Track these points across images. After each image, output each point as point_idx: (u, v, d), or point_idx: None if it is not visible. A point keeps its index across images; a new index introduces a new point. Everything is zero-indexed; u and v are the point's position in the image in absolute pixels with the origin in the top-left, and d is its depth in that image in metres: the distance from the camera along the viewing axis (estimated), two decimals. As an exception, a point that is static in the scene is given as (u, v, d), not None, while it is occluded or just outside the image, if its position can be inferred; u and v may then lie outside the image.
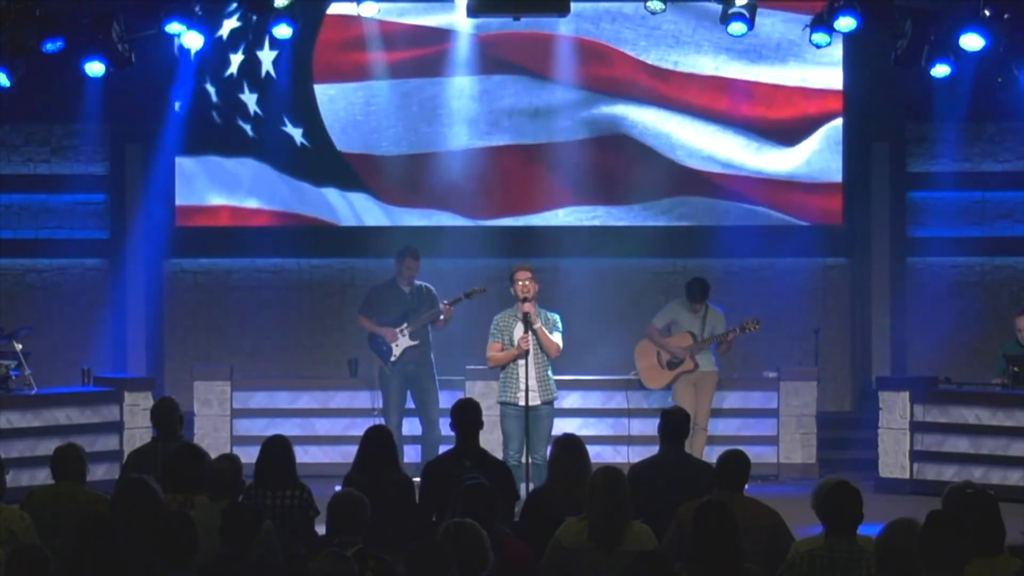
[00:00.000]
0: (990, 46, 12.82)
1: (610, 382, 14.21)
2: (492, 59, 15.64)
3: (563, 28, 15.38)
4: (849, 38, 14.58)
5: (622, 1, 15.54)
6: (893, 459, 13.43)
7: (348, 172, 15.72)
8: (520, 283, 11.89)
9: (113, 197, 15.90)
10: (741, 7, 13.30)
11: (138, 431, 13.27)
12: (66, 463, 8.46)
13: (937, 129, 15.69)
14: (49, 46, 12.60)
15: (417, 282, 13.42)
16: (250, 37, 15.35)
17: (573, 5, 13.08)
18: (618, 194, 15.75)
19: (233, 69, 15.55)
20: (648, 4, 13.54)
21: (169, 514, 7.13)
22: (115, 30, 12.78)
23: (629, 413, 14.03)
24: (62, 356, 15.09)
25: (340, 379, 14.53)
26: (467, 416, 9.24)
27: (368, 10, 14.06)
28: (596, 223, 15.79)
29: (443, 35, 15.57)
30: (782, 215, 15.72)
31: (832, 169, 15.68)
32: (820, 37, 13.49)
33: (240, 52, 15.52)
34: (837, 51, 15.35)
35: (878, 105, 15.54)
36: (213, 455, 8.56)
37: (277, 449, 8.81)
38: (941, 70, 13.17)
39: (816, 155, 15.67)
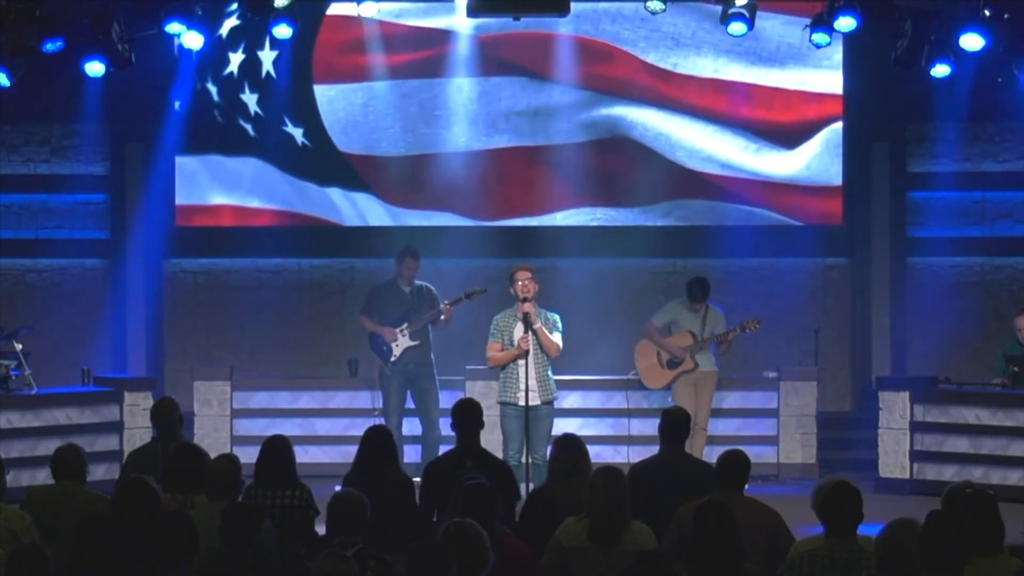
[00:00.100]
0: (990, 46, 12.82)
1: (610, 382, 14.21)
2: (492, 60, 15.63)
3: (563, 28, 15.38)
4: (849, 38, 14.56)
5: (622, 1, 15.54)
6: (893, 459, 13.43)
7: (350, 172, 15.73)
8: (520, 283, 11.89)
9: (113, 197, 15.90)
10: (741, 7, 13.30)
11: (138, 431, 13.27)
12: (66, 463, 8.47)
13: (937, 129, 15.68)
14: (49, 46, 12.60)
15: (417, 282, 13.42)
16: (250, 37, 15.36)
17: (573, 5, 13.08)
18: (618, 196, 15.74)
19: (233, 68, 15.56)
20: (648, 4, 13.54)
21: (169, 514, 7.13)
22: (115, 30, 12.78)
23: (629, 413, 14.03)
24: (62, 356, 15.09)
25: (340, 379, 14.53)
26: (468, 416, 9.23)
27: (368, 10, 14.07)
28: (596, 224, 15.79)
29: (443, 36, 15.56)
30: (782, 217, 15.72)
31: (832, 173, 15.67)
32: (820, 37, 13.49)
33: (240, 51, 15.52)
34: (837, 55, 15.36)
35: (878, 105, 15.53)
36: (213, 455, 8.56)
37: (277, 449, 8.81)
38: (941, 70, 13.17)
39: (816, 159, 15.67)
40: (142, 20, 13.00)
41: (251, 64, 15.56)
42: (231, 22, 14.81)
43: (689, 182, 15.70)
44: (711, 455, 11.86)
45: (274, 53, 15.50)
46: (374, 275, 15.02)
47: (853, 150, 15.70)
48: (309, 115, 15.68)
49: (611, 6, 15.60)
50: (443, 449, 11.63)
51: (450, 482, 8.05)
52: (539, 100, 15.72)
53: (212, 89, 15.60)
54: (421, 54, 15.60)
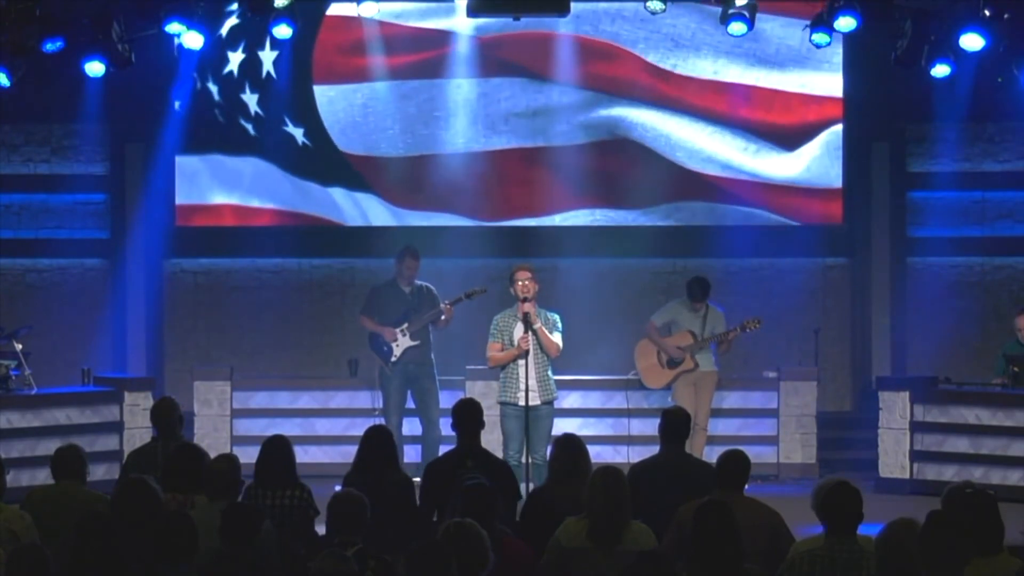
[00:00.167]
0: (990, 46, 12.82)
1: (610, 382, 14.21)
2: (492, 61, 15.62)
3: (563, 29, 15.38)
4: (849, 38, 14.56)
5: (622, 1, 15.54)
6: (893, 459, 13.43)
7: (351, 172, 15.73)
8: (520, 283, 11.89)
9: (113, 197, 15.90)
10: (741, 7, 13.30)
11: (138, 431, 13.27)
12: (66, 463, 8.47)
13: (937, 129, 15.68)
14: (49, 46, 12.60)
15: (417, 282, 13.42)
16: (250, 37, 15.36)
17: (573, 5, 13.08)
18: (618, 197, 15.73)
19: (233, 68, 15.56)
20: (648, 4, 13.54)
21: (169, 514, 7.13)
22: (115, 30, 12.78)
23: (629, 413, 14.03)
24: (62, 356, 15.08)
25: (340, 379, 14.53)
26: (468, 416, 9.23)
27: (368, 10, 14.08)
28: (596, 225, 15.79)
29: (443, 37, 15.56)
30: (782, 218, 15.71)
31: (832, 176, 15.67)
32: (820, 37, 13.49)
33: (240, 51, 15.52)
34: (837, 57, 15.36)
35: (878, 105, 15.53)
36: (213, 455, 8.56)
37: (277, 449, 8.81)
38: (941, 70, 13.17)
39: (816, 161, 15.66)
40: (142, 20, 13.00)
41: (251, 64, 15.56)
42: (231, 22, 14.81)
43: (689, 183, 15.70)
44: (711, 455, 11.86)
45: (274, 53, 15.50)
46: (374, 275, 15.02)
47: (853, 150, 15.70)
48: (309, 115, 15.67)
49: (611, 6, 15.60)
50: (443, 449, 11.63)
51: (450, 482, 8.05)
52: (539, 101, 15.72)
53: (212, 89, 15.60)
54: (421, 55, 15.60)
